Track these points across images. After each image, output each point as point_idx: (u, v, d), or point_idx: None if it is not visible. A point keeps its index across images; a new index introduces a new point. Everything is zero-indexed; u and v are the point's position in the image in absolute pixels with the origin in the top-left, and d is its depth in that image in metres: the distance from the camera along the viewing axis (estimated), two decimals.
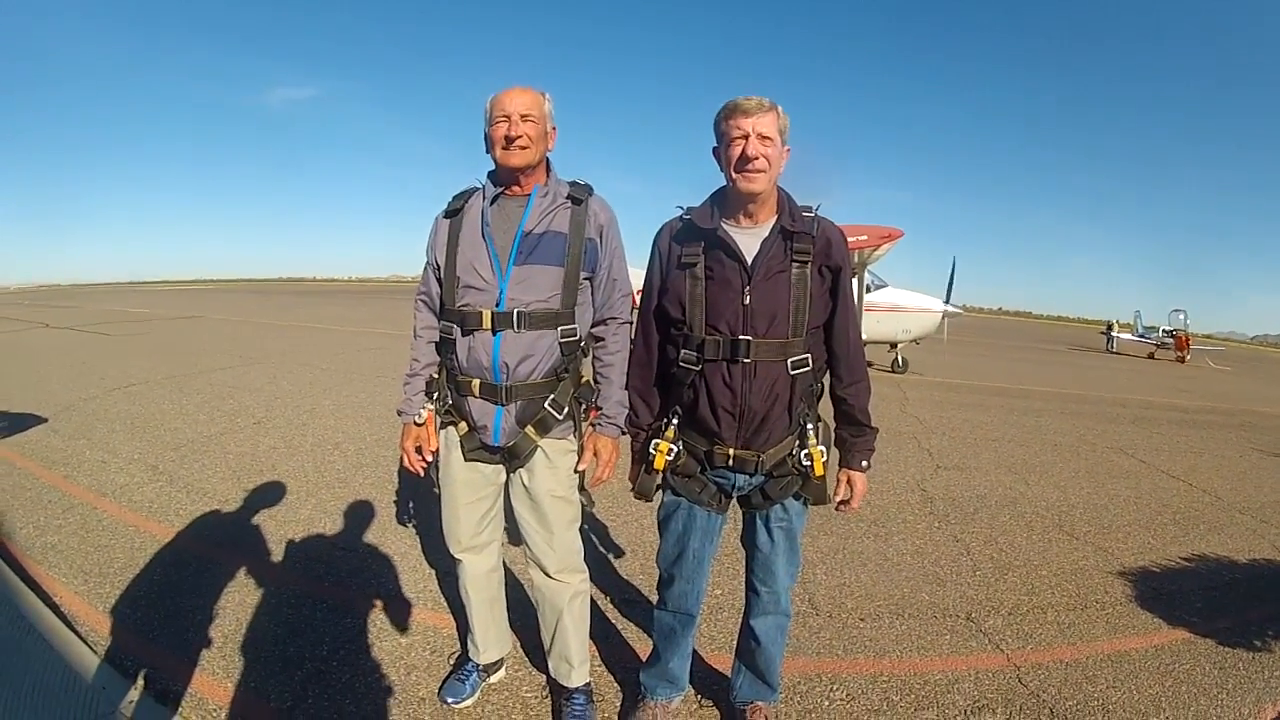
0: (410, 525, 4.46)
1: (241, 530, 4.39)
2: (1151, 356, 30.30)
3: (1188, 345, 29.84)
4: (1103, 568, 4.42)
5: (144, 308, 28.72)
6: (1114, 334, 33.85)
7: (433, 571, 3.82)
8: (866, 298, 14.00)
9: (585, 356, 2.42)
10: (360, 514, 4.68)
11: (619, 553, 4.24)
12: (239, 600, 3.44)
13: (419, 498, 4.93)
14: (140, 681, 2.77)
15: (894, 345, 14.78)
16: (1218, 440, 9.40)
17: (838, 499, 2.34)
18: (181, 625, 3.20)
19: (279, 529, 4.37)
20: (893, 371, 14.26)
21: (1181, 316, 31.49)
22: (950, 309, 15.61)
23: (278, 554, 4.01)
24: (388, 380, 10.06)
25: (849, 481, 2.32)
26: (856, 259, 12.58)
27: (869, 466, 2.32)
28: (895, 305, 14.90)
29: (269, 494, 5.01)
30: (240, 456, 6.01)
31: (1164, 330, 31.64)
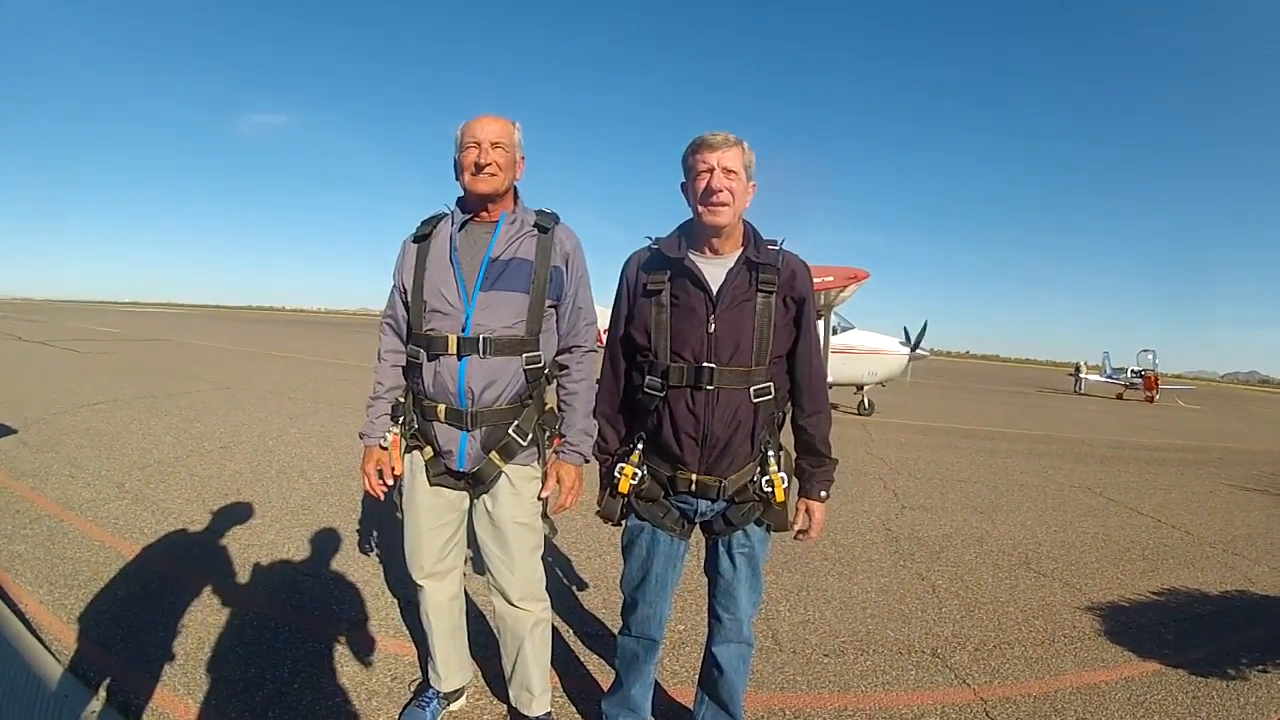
0: (373, 553, 4.43)
1: (206, 552, 4.36)
2: (1120, 397, 30.70)
3: (1157, 385, 30.28)
4: (1071, 603, 4.44)
5: (115, 327, 28.49)
6: (1082, 375, 34.31)
7: (395, 599, 3.78)
8: (833, 340, 14.15)
9: (550, 384, 2.44)
10: (324, 540, 4.65)
11: (582, 585, 4.22)
12: (202, 620, 3.41)
13: (383, 526, 4.91)
14: (103, 693, 2.75)
15: (860, 387, 14.92)
16: (1188, 477, 9.55)
17: (796, 528, 2.36)
18: (145, 641, 3.18)
19: (243, 552, 4.34)
20: (859, 414, 14.32)
21: (1150, 356, 31.97)
22: (917, 353, 15.89)
23: (242, 576, 3.98)
24: (355, 410, 9.97)
25: (808, 511, 2.35)
26: (823, 300, 12.77)
27: (828, 496, 2.34)
28: (861, 347, 15.11)
29: (234, 517, 4.97)
30: (206, 479, 5.98)
31: (1133, 370, 32.11)
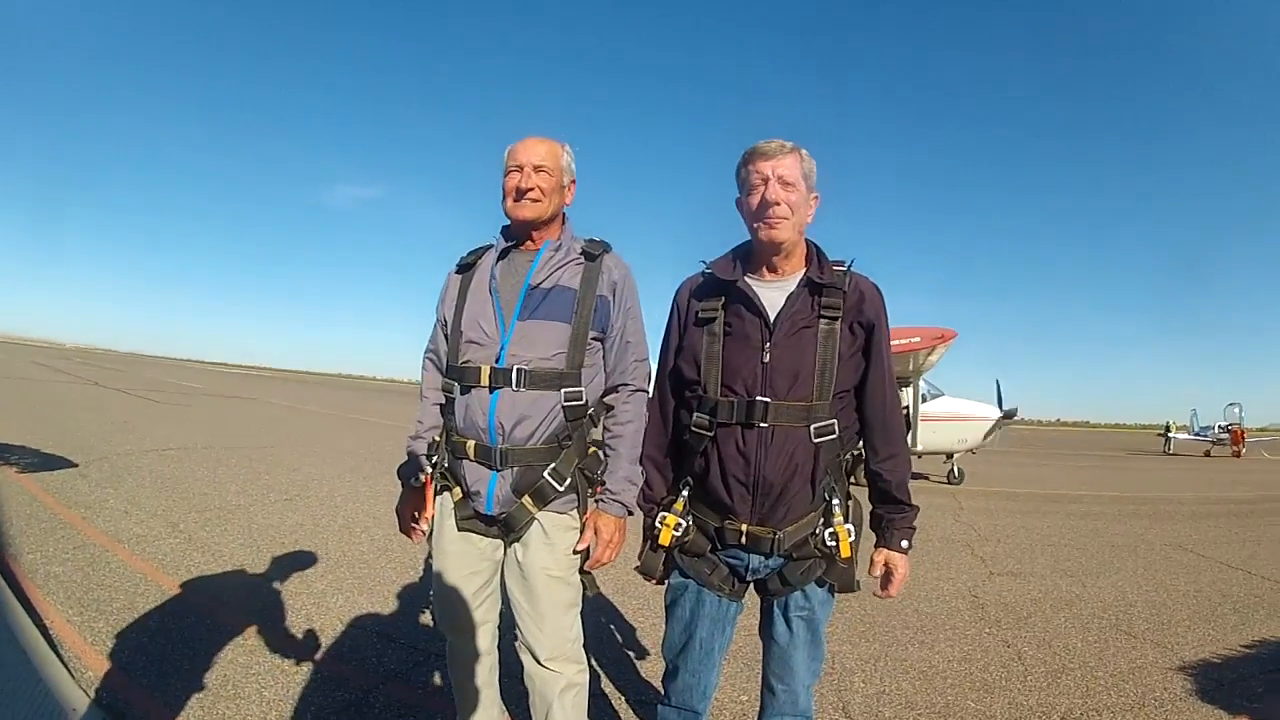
0: (425, 611, 4.27)
1: (249, 594, 4.32)
2: (1208, 454, 29.99)
3: (1243, 439, 29.52)
4: (1162, 664, 4.15)
5: (196, 383, 29.38)
6: (1171, 435, 33.59)
7: (437, 657, 3.59)
8: (922, 408, 13.72)
9: (595, 426, 2.24)
10: (377, 594, 4.53)
11: (642, 652, 3.96)
12: (230, 659, 3.36)
13: None
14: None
15: (950, 456, 14.19)
16: (1275, 526, 9.43)
17: (876, 581, 2.07)
18: (167, 672, 3.14)
19: (289, 599, 4.28)
20: (949, 483, 13.59)
21: (1237, 410, 31.26)
22: (1006, 412, 15.05)
23: (282, 622, 3.91)
24: None
25: (886, 564, 2.05)
26: (910, 365, 12.43)
27: (910, 547, 2.04)
28: (951, 414, 14.48)
29: (286, 565, 4.92)
30: (264, 528, 5.99)
31: (1219, 426, 31.38)
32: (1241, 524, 9.65)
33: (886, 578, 2.05)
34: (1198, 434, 33.32)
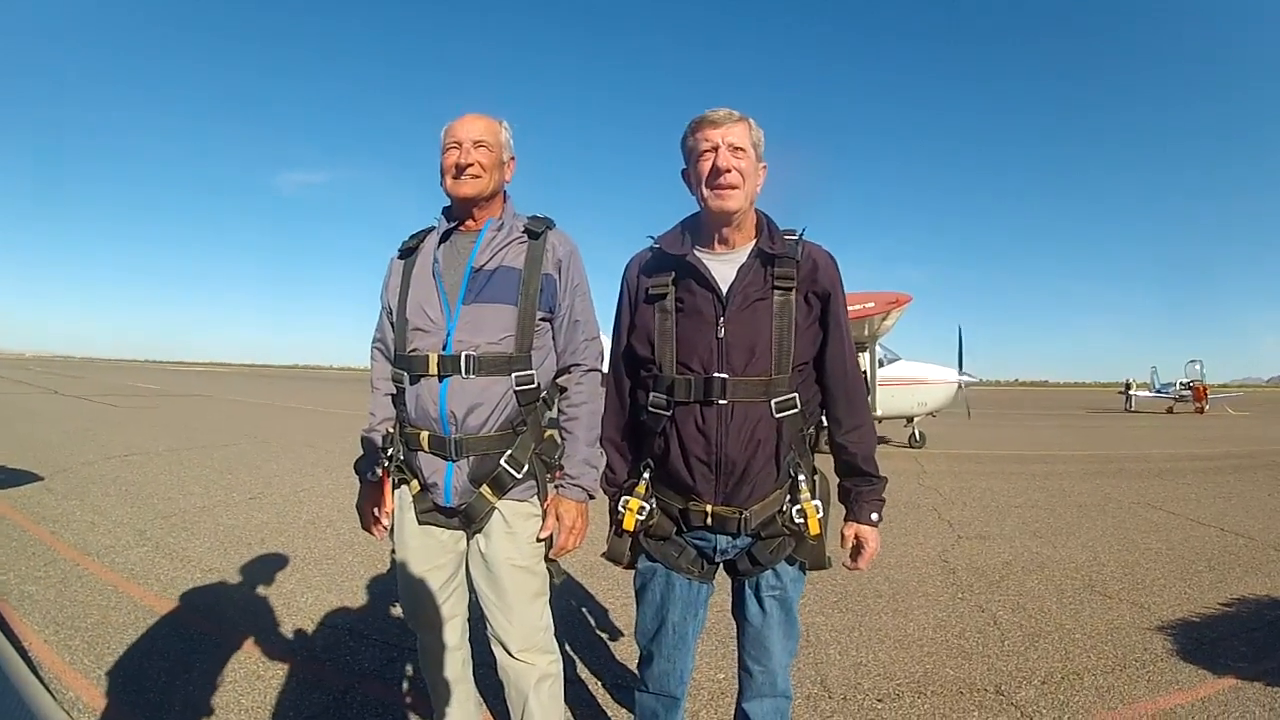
0: (396, 605, 4.18)
1: (221, 600, 4.25)
2: (1170, 411, 30.46)
3: (1205, 395, 30.05)
4: (1140, 624, 4.17)
5: (156, 384, 28.98)
6: (1132, 392, 34.11)
7: (411, 652, 3.54)
8: (880, 372, 13.88)
9: (550, 409, 2.19)
10: (345, 591, 4.48)
11: (616, 633, 3.94)
12: (206, 667, 3.30)
13: None
14: None
15: (910, 420, 14.44)
16: (1244, 483, 9.48)
17: (846, 555, 2.05)
18: (144, 688, 3.09)
19: (259, 602, 4.22)
20: (910, 446, 13.77)
21: (1198, 367, 31.75)
22: (966, 378, 15.36)
23: (254, 625, 3.84)
24: None
25: (857, 537, 2.02)
26: (866, 330, 12.55)
27: (879, 520, 2.01)
28: (909, 377, 14.67)
29: (255, 566, 4.87)
30: (230, 529, 5.91)
31: (1181, 383, 31.92)
32: (1210, 480, 9.77)
33: (857, 550, 2.03)
34: (1159, 391, 33.86)
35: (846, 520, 2.04)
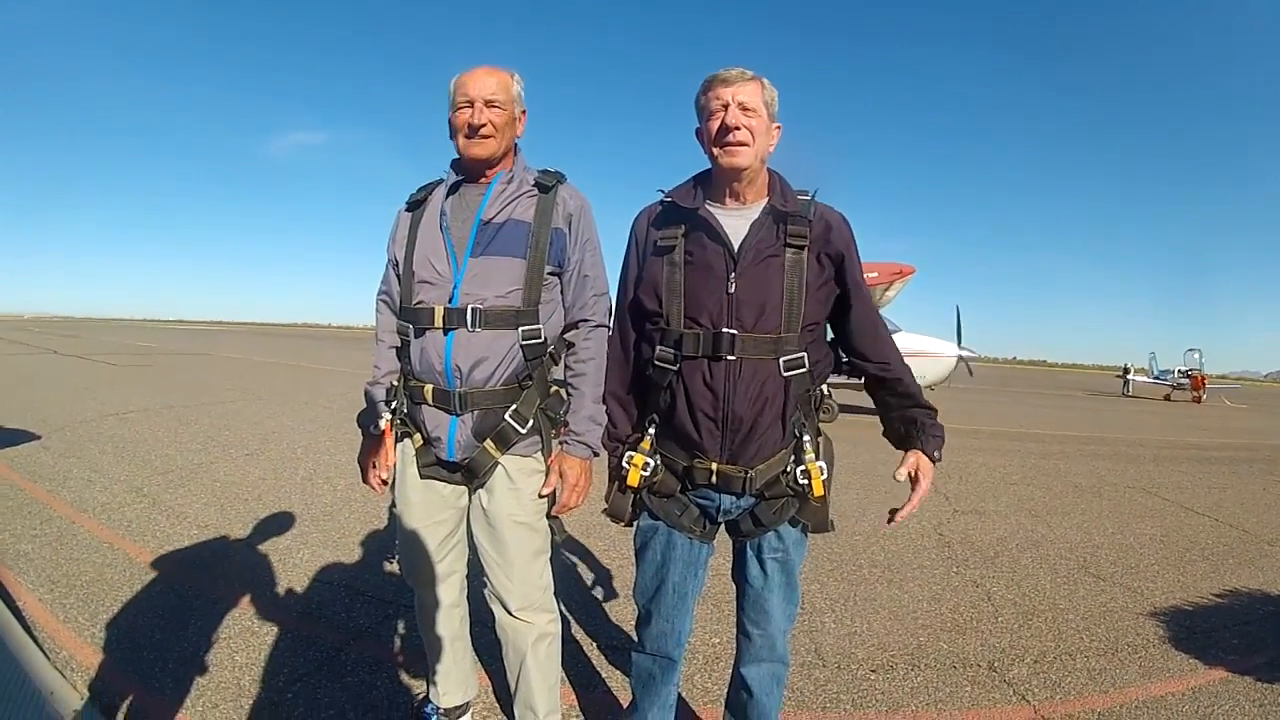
0: (394, 561, 4.21)
1: (216, 556, 4.23)
2: (1167, 398, 30.45)
3: (1203, 385, 30.00)
4: (1132, 609, 4.17)
5: (152, 342, 28.96)
6: (1130, 377, 34.11)
7: (407, 609, 3.55)
8: None
9: (556, 364, 2.17)
10: (341, 547, 4.46)
11: (612, 594, 3.96)
12: (200, 625, 3.29)
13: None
14: (87, 692, 2.69)
15: None
16: (1240, 475, 9.41)
17: (901, 480, 1.95)
18: (139, 644, 3.07)
19: (255, 558, 4.21)
20: None
21: (1197, 356, 31.69)
22: (965, 352, 15.29)
23: (249, 582, 3.83)
24: None
25: (917, 469, 1.93)
26: None
27: (939, 459, 1.95)
28: (910, 350, 14.49)
29: (250, 523, 4.86)
30: (227, 485, 5.91)
31: (1179, 371, 31.84)
32: (1205, 470, 9.74)
33: (909, 484, 1.96)
34: (1157, 377, 33.87)
35: (909, 448, 1.97)
